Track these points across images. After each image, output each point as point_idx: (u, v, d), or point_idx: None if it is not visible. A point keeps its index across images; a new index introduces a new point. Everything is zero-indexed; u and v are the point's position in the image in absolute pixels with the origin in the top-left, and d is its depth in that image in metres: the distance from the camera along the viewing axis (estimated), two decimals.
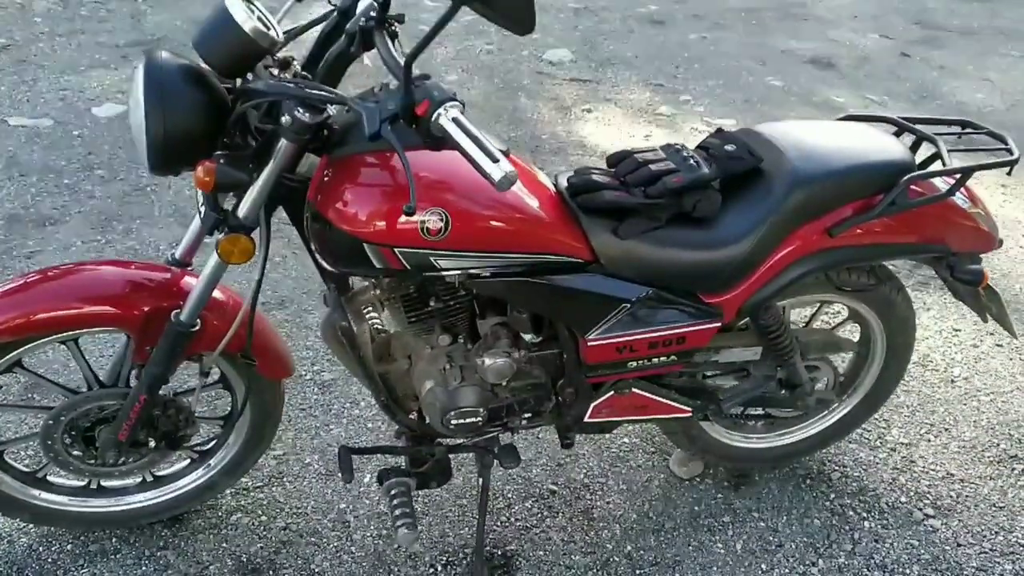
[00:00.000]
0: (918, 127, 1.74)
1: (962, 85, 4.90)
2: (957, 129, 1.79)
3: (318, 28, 1.54)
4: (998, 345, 2.62)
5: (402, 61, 1.27)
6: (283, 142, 1.35)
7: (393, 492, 1.70)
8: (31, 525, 1.88)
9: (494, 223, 1.44)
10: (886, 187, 1.61)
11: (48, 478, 1.81)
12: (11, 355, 1.59)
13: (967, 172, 1.62)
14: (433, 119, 1.18)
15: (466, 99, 4.49)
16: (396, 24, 1.38)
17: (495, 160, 1.12)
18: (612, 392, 1.75)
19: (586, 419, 1.78)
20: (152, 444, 1.71)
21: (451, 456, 1.82)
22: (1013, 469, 2.16)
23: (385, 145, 1.25)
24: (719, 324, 1.65)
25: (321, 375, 2.40)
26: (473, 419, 1.66)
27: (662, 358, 1.67)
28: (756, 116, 4.27)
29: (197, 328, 1.55)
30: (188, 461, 1.90)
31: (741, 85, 4.66)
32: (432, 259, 1.44)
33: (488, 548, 1.90)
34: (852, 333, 2.03)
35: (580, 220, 1.54)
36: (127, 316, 1.55)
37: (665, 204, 1.55)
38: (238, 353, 1.64)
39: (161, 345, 1.55)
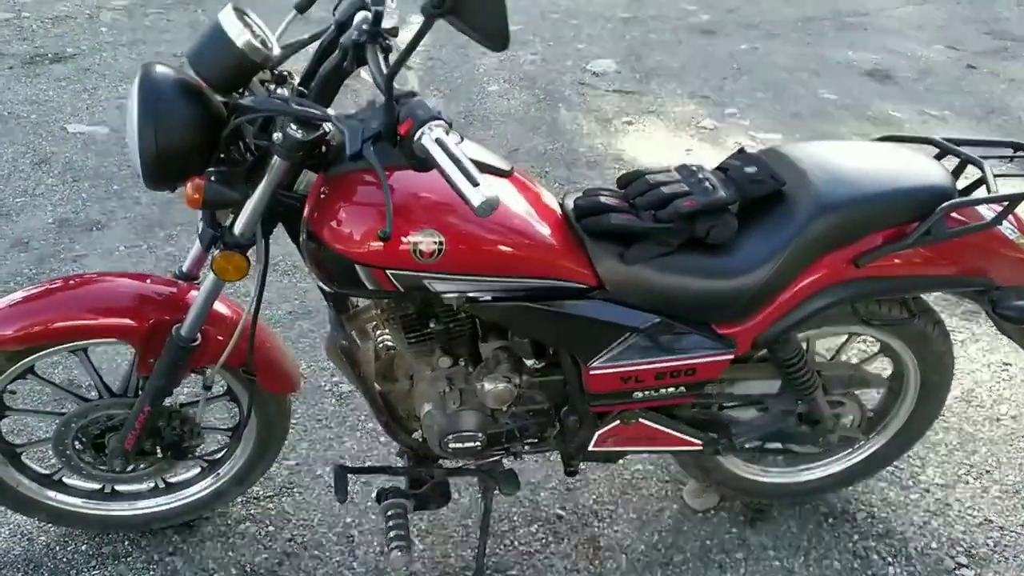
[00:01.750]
0: (963, 149, 1.63)
1: None
2: (1008, 151, 1.67)
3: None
4: None
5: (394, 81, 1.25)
6: (276, 159, 1.34)
7: (389, 513, 1.67)
8: (50, 524, 1.91)
9: (492, 246, 1.40)
10: (921, 215, 1.50)
11: (64, 480, 1.84)
12: (23, 362, 1.62)
13: (1015, 200, 1.51)
14: (416, 139, 1.14)
15: (505, 110, 4.48)
16: (390, 39, 1.36)
17: (475, 184, 1.08)
18: (618, 421, 1.69)
19: (590, 448, 1.72)
20: (159, 453, 1.73)
21: (454, 478, 1.78)
22: None
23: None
24: (732, 356, 1.57)
25: (340, 386, 2.39)
26: (472, 443, 1.62)
27: (670, 389, 1.60)
28: (805, 130, 4.13)
29: (197, 343, 1.55)
30: (199, 469, 1.91)
31: (791, 97, 4.52)
32: (426, 282, 1.41)
33: (489, 572, 1.86)
34: (884, 368, 1.92)
35: (585, 244, 1.49)
36: (131, 328, 1.57)
37: (676, 229, 1.48)
38: (239, 367, 1.64)
39: (163, 358, 1.56)
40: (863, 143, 1.71)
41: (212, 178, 1.34)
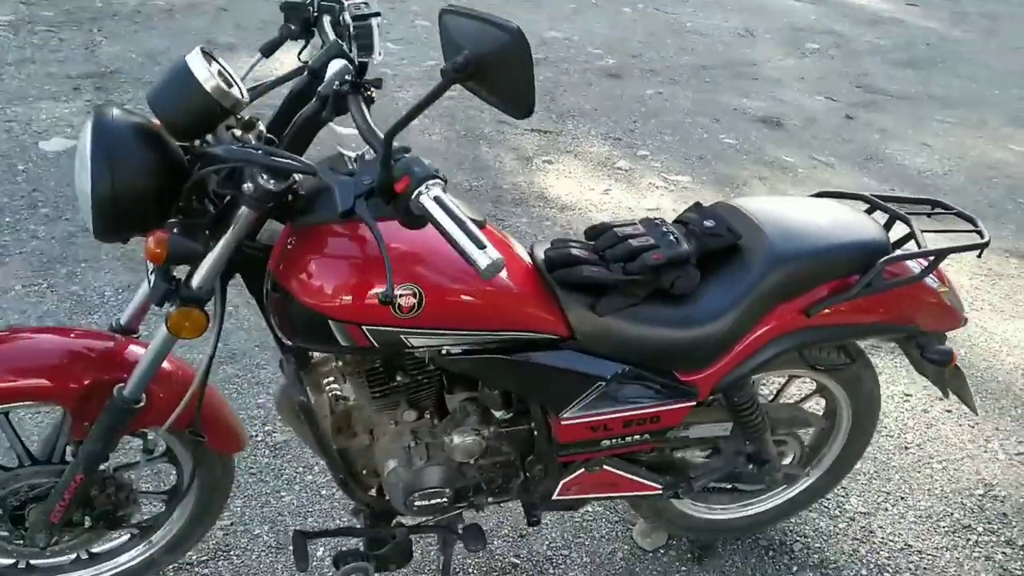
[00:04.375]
0: (890, 205, 1.76)
1: (903, 149, 5.07)
2: (927, 208, 1.81)
3: (286, 86, 1.48)
4: (947, 411, 2.66)
5: (379, 131, 1.22)
6: (244, 209, 1.28)
7: None
8: None
9: (470, 300, 1.39)
10: (862, 268, 1.61)
11: None
12: None
13: (940, 255, 1.63)
14: (413, 198, 1.12)
15: (427, 146, 4.45)
16: (372, 89, 1.33)
17: (481, 246, 1.06)
18: (582, 469, 1.69)
19: (555, 496, 1.72)
20: (88, 524, 1.58)
21: (414, 535, 1.73)
22: (968, 540, 2.17)
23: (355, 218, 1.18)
24: (695, 403, 1.61)
25: (273, 436, 2.29)
26: (438, 500, 1.59)
27: (636, 436, 1.63)
28: (710, 173, 4.33)
29: (142, 404, 1.44)
30: (128, 537, 1.77)
31: (695, 142, 4.74)
32: (403, 337, 1.38)
33: None
34: (817, 406, 2.02)
35: (557, 295, 1.50)
36: (64, 390, 1.44)
37: (644, 281, 1.52)
38: (186, 429, 1.54)
39: (102, 421, 1.44)
40: (805, 199, 1.81)
41: (175, 230, 1.27)
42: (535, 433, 1.64)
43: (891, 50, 7.34)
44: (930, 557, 2.11)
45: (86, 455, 1.46)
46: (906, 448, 2.49)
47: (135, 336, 1.56)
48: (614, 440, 1.62)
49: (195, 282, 1.32)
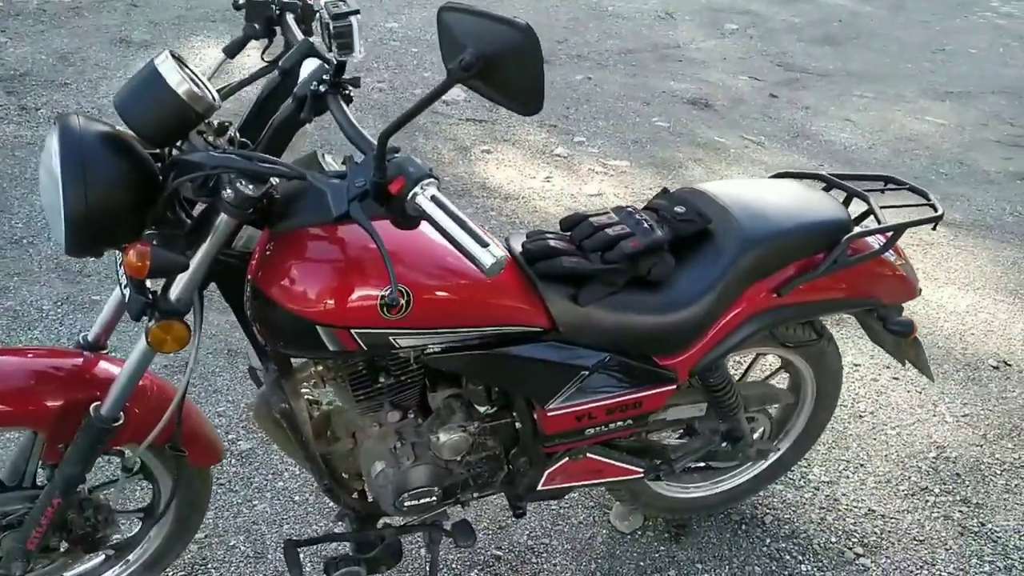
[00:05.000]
0: (847, 183, 1.82)
1: (828, 125, 5.25)
2: (880, 185, 1.88)
3: (254, 87, 1.43)
4: (895, 378, 2.78)
5: (364, 131, 1.20)
6: (222, 217, 1.23)
7: None
8: None
9: (457, 298, 1.38)
10: (827, 246, 1.66)
11: None
12: None
13: (899, 229, 1.70)
14: (409, 198, 1.10)
15: None
16: (351, 88, 1.30)
17: (484, 244, 1.05)
18: (567, 459, 1.70)
19: (539, 487, 1.73)
20: (64, 548, 1.52)
21: (403, 535, 1.71)
22: (926, 501, 2.28)
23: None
24: (675, 387, 1.64)
25: (237, 444, 2.23)
26: (428, 499, 1.58)
27: (619, 423, 1.65)
28: (647, 157, 4.39)
29: (120, 423, 1.38)
30: (103, 558, 1.69)
31: (629, 126, 4.79)
32: (392, 338, 1.36)
33: None
34: (781, 381, 2.08)
35: (538, 288, 1.50)
36: (36, 414, 1.37)
37: (622, 269, 1.53)
38: (165, 445, 1.48)
39: (78, 443, 1.38)
40: (766, 180, 1.86)
41: (155, 242, 1.21)
42: (519, 426, 1.64)
43: (806, 27, 7.56)
44: (893, 520, 2.21)
45: (63, 478, 1.39)
46: (860, 416, 2.59)
47: (104, 351, 1.48)
48: (599, 428, 1.64)
49: (174, 294, 1.27)
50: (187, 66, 1.23)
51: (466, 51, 1.01)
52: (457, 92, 4.79)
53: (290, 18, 1.47)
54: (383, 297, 1.30)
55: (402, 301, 1.31)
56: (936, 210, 1.76)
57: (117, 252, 1.30)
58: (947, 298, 3.32)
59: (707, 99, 5.42)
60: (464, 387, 1.59)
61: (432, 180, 1.10)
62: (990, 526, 2.20)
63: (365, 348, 1.35)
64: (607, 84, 5.42)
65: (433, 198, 1.08)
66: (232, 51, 1.44)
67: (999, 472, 2.39)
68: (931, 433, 2.54)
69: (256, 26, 1.44)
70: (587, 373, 1.56)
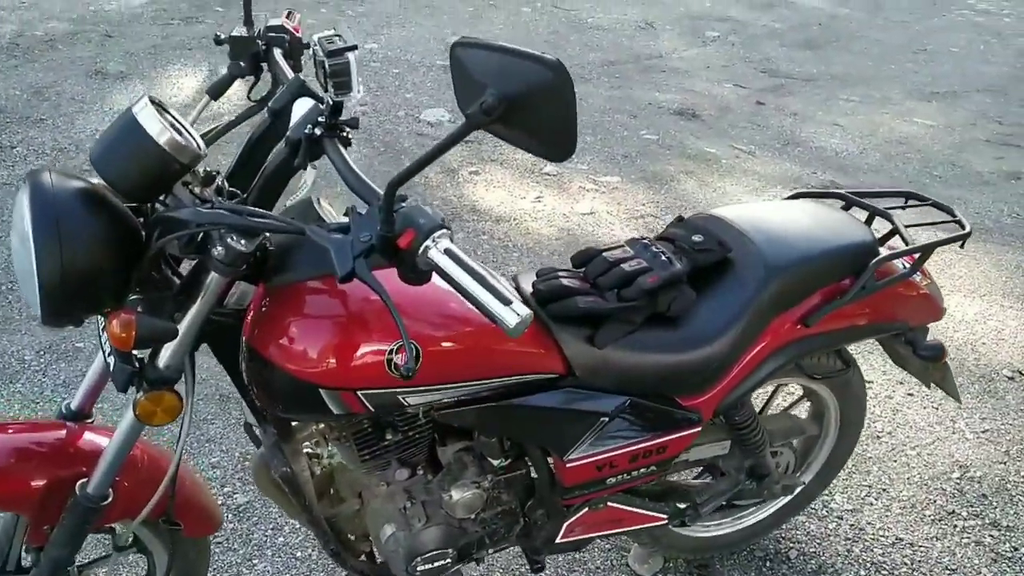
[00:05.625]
0: (866, 201, 1.74)
1: (817, 131, 5.20)
2: (901, 201, 1.80)
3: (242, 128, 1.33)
4: (909, 395, 2.70)
5: (367, 179, 1.10)
6: (213, 275, 1.13)
7: None
8: None
9: (468, 350, 1.28)
10: (854, 270, 1.58)
11: None
12: None
13: (927, 250, 1.62)
14: (421, 253, 1.00)
15: None
16: (348, 130, 1.19)
17: (507, 301, 0.95)
18: (586, 509, 1.60)
19: (558, 539, 1.62)
20: None
21: None
22: (955, 526, 2.19)
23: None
24: (700, 428, 1.55)
25: (234, 498, 2.11)
26: (442, 561, 1.48)
27: (642, 470, 1.55)
28: (638, 171, 4.31)
29: (110, 500, 1.27)
30: None
31: (617, 140, 4.71)
32: (401, 397, 1.26)
33: None
34: (801, 410, 1.99)
35: (552, 330, 1.40)
36: (17, 496, 1.26)
37: (640, 306, 1.44)
38: (159, 518, 1.37)
39: (65, 523, 1.27)
40: (784, 203, 1.77)
41: (140, 308, 1.10)
42: (535, 475, 1.54)
43: (787, 32, 7.55)
44: (923, 549, 2.12)
45: (50, 562, 1.28)
46: (878, 437, 2.51)
47: (89, 421, 1.37)
48: (621, 476, 1.54)
49: (163, 361, 1.16)
50: (168, 112, 1.13)
51: (487, 92, 0.89)
52: (441, 112, 4.70)
53: (277, 53, 1.38)
54: (398, 367, 1.20)
55: (416, 367, 1.21)
56: (964, 227, 1.68)
57: (99, 316, 1.19)
58: (954, 307, 3.25)
59: (694, 109, 5.36)
60: (476, 439, 1.49)
61: (445, 231, 1.00)
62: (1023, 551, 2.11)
63: (372, 410, 1.25)
64: (592, 98, 5.35)
65: (447, 251, 0.98)
66: (216, 92, 1.34)
67: None
68: (952, 452, 2.45)
69: (241, 63, 1.34)
70: (607, 419, 1.46)
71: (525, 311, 0.95)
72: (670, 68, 6.22)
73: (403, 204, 1.03)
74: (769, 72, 6.38)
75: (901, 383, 2.73)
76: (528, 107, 0.89)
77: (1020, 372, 2.84)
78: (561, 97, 0.87)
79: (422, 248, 0.99)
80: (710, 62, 6.48)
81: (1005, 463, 2.41)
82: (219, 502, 2.08)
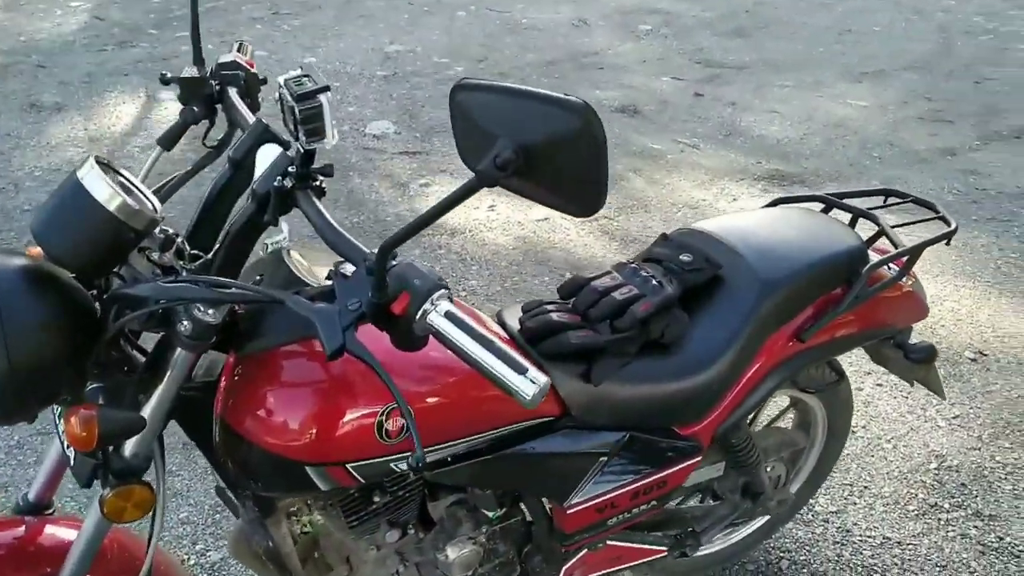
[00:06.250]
0: (847, 202, 1.71)
1: (756, 119, 5.23)
2: (880, 200, 1.78)
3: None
4: (879, 384, 2.71)
5: (351, 236, 1.01)
6: (179, 352, 1.02)
7: None
8: None
9: (461, 403, 1.19)
10: (846, 279, 1.54)
11: None
12: None
13: (916, 251, 1.59)
14: (419, 318, 0.90)
15: None
16: (322, 179, 1.09)
17: (522, 370, 0.86)
18: (585, 551, 1.54)
19: None
20: None
21: None
22: (939, 520, 2.20)
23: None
24: (700, 457, 1.49)
25: (207, 555, 1.99)
26: None
27: (643, 507, 1.49)
28: None
29: None
30: None
31: None
32: (392, 464, 1.16)
33: None
34: (787, 420, 1.96)
35: (544, 370, 1.32)
36: None
37: (634, 336, 1.37)
38: None
39: None
40: (766, 211, 1.72)
41: (100, 400, 0.99)
42: (530, 519, 1.46)
43: (716, 22, 7.60)
44: (911, 547, 2.11)
45: None
46: (854, 432, 2.50)
47: (49, 512, 1.24)
48: (621, 515, 1.47)
49: (129, 450, 1.04)
50: (118, 172, 1.02)
51: (499, 144, 0.78)
52: (386, 124, 4.58)
53: (233, 93, 1.26)
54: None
55: (402, 422, 1.12)
56: (948, 223, 1.66)
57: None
58: None
59: (635, 105, 5.34)
60: (469, 491, 1.41)
61: (444, 292, 0.91)
62: (1008, 539, 2.13)
63: (363, 481, 1.15)
64: None
65: (448, 314, 0.89)
66: (169, 142, 1.22)
67: (1003, 476, 2.33)
68: (927, 441, 2.47)
69: (194, 108, 1.22)
70: (606, 458, 1.39)
71: (543, 379, 0.87)
72: (607, 64, 6.19)
73: (393, 263, 0.93)
74: (704, 62, 6.41)
75: (869, 374, 2.74)
76: (549, 158, 0.78)
77: (981, 352, 2.89)
78: (589, 145, 0.76)
79: (420, 313, 0.90)
80: (645, 56, 6.48)
81: (979, 449, 2.44)
82: (191, 562, 1.96)
